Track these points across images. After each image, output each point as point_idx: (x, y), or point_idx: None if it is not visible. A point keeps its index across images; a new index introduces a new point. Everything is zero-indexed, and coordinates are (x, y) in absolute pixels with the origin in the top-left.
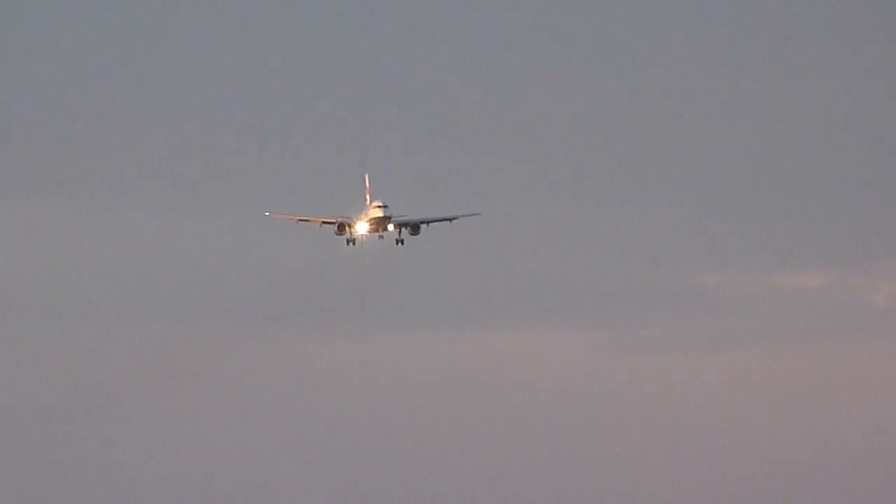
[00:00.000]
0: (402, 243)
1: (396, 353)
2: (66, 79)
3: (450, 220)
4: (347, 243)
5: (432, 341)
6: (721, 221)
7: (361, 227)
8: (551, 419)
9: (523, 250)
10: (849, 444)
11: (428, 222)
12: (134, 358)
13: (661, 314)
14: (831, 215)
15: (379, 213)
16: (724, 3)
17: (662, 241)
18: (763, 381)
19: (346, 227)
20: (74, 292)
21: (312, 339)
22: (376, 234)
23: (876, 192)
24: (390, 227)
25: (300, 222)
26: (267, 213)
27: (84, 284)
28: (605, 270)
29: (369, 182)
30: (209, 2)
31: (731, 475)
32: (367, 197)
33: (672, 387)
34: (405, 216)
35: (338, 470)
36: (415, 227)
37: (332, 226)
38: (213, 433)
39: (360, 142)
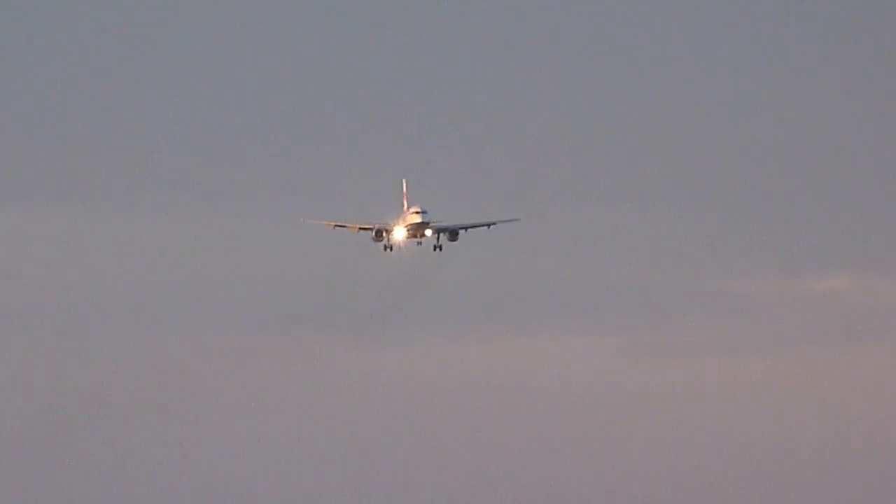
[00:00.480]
0: (441, 249)
1: (429, 358)
2: (106, 85)
3: (488, 225)
4: (385, 249)
5: (466, 347)
6: (745, 226)
7: (399, 233)
8: (577, 423)
9: (555, 255)
10: (875, 448)
11: (466, 228)
12: (169, 366)
13: (685, 319)
14: (854, 219)
15: (417, 219)
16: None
17: (686, 245)
18: (787, 386)
19: (384, 234)
20: (112, 300)
21: (347, 345)
22: (414, 240)
23: None
24: (428, 232)
25: (337, 228)
26: (303, 220)
27: (120, 292)
28: (630, 275)
29: (407, 187)
30: (245, 4)
31: (755, 480)
32: (405, 202)
33: (697, 392)
34: (443, 222)
35: (370, 474)
36: (453, 233)
37: (369, 232)
38: (249, 440)
39: (398, 147)
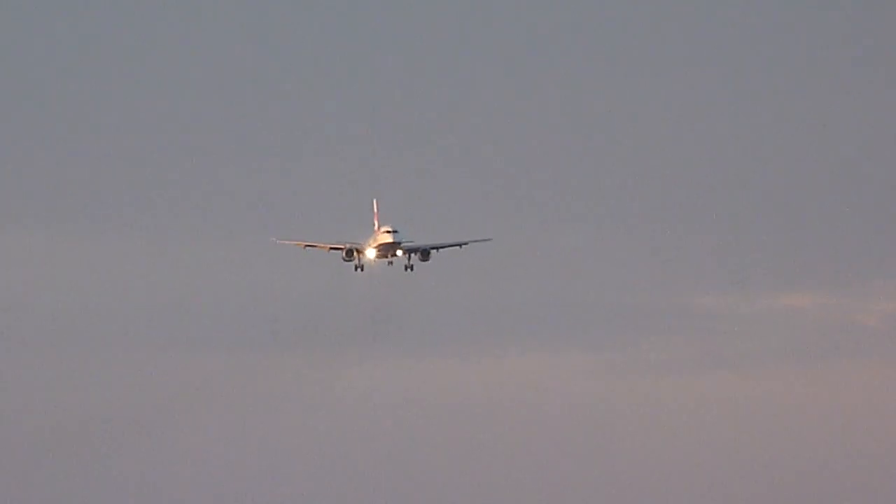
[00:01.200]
0: (412, 269)
1: (401, 377)
2: (73, 107)
3: (460, 245)
4: (355, 269)
5: (438, 366)
6: (719, 244)
7: (370, 253)
8: (554, 440)
9: (525, 275)
10: (845, 462)
11: (438, 248)
12: (138, 385)
13: (661, 336)
14: (827, 237)
15: (388, 239)
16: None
17: (662, 263)
18: (761, 401)
19: (355, 253)
20: (82, 320)
21: (319, 364)
22: (385, 259)
23: (871, 213)
24: (399, 252)
25: (307, 248)
26: (274, 239)
27: (88, 313)
28: (605, 293)
29: (377, 207)
30: (214, 26)
31: (730, 494)
32: (376, 222)
33: (673, 407)
34: (414, 241)
35: (342, 491)
36: (425, 253)
37: (339, 251)
38: (218, 459)
39: (368, 165)
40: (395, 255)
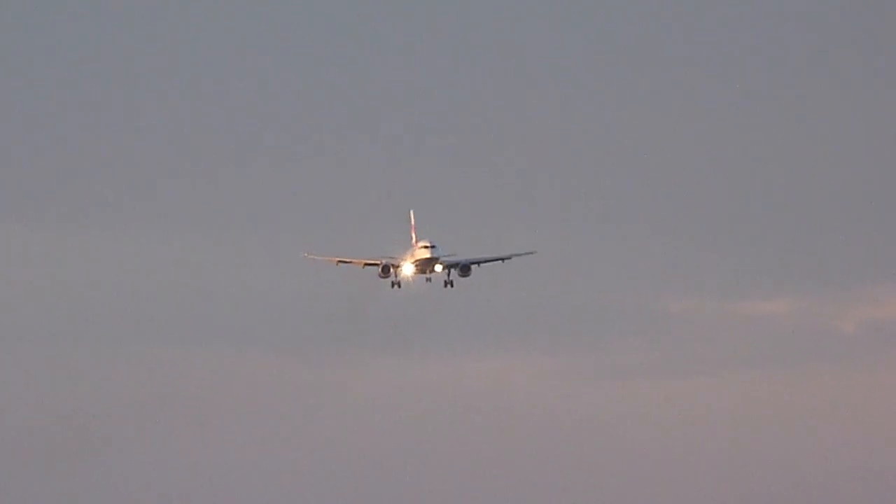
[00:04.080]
0: (452, 285)
1: (415, 383)
2: (99, 111)
3: (503, 259)
4: (392, 286)
5: (417, 369)
6: (689, 248)
7: (407, 269)
8: (519, 443)
9: (499, 277)
10: (816, 469)
11: (479, 262)
12: (146, 390)
13: (629, 340)
14: (799, 242)
15: (426, 254)
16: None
17: (630, 267)
18: (736, 407)
19: (391, 269)
20: (103, 324)
21: (346, 371)
22: (423, 275)
23: (843, 219)
24: (438, 267)
25: (341, 264)
26: (305, 255)
27: (119, 324)
28: (573, 296)
29: (415, 219)
30: (251, 35)
31: (701, 498)
32: (413, 235)
33: (646, 412)
34: (454, 256)
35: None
36: (464, 269)
37: (375, 267)
38: (235, 465)
39: (405, 176)
40: (433, 270)
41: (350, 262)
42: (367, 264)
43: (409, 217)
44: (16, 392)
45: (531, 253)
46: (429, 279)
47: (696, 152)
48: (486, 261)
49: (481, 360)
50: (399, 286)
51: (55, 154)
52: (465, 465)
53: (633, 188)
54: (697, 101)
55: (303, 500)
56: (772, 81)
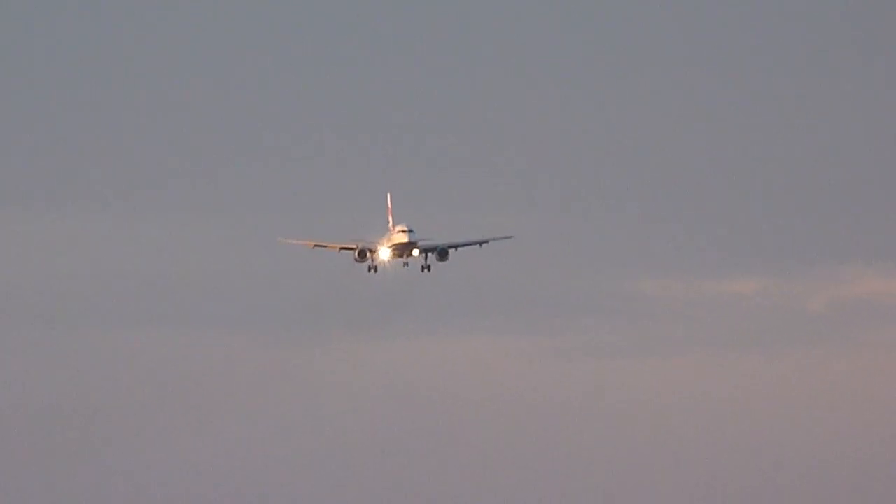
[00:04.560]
0: (429, 270)
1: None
2: (85, 99)
3: (480, 244)
4: (369, 270)
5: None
6: (658, 228)
7: (384, 254)
8: (495, 425)
9: (474, 258)
10: (783, 450)
11: (457, 246)
12: (132, 376)
13: (603, 321)
14: (769, 221)
15: (403, 239)
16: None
17: (600, 247)
18: (699, 388)
19: (368, 254)
20: (88, 320)
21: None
22: (400, 260)
23: (812, 198)
24: (416, 252)
25: (316, 248)
26: (280, 240)
27: (91, 313)
28: (544, 277)
29: (391, 202)
30: (224, 22)
31: (672, 479)
32: (390, 219)
33: (616, 392)
34: (432, 240)
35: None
36: (442, 253)
37: (351, 252)
38: (237, 438)
39: (381, 157)
40: (410, 254)
41: (325, 246)
42: (342, 248)
43: (386, 200)
44: (23, 378)
45: (508, 237)
46: (406, 264)
47: (665, 134)
48: (463, 245)
49: (458, 343)
50: (375, 270)
51: (30, 139)
52: (441, 448)
53: (606, 171)
54: (666, 83)
55: (276, 484)
56: (740, 63)
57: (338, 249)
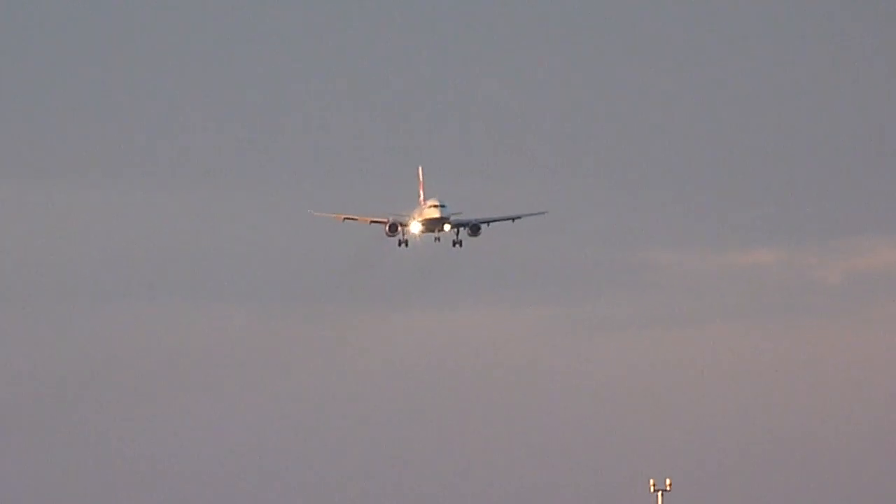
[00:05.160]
0: (461, 245)
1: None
2: (119, 71)
3: (513, 219)
4: (399, 244)
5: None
6: (674, 199)
7: (415, 228)
8: (506, 397)
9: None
10: (801, 421)
11: (489, 222)
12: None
13: (619, 292)
14: (786, 193)
15: (435, 214)
16: None
17: (616, 218)
18: (717, 360)
19: (399, 228)
20: (116, 285)
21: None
22: (432, 234)
23: (830, 169)
24: (447, 227)
25: (347, 221)
26: (312, 212)
27: (124, 279)
28: (560, 248)
29: (423, 176)
30: None
31: (681, 453)
32: (421, 193)
33: (632, 364)
34: (463, 215)
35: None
36: (474, 228)
37: (382, 225)
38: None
39: (413, 131)
40: (442, 229)
41: (356, 219)
42: (373, 222)
43: (418, 174)
44: (11, 348)
45: (542, 213)
46: (437, 238)
47: (686, 109)
48: (496, 220)
49: (485, 315)
50: (406, 245)
51: (68, 111)
52: (468, 418)
53: (629, 146)
54: (683, 59)
55: (300, 453)
56: (757, 31)
57: (368, 223)
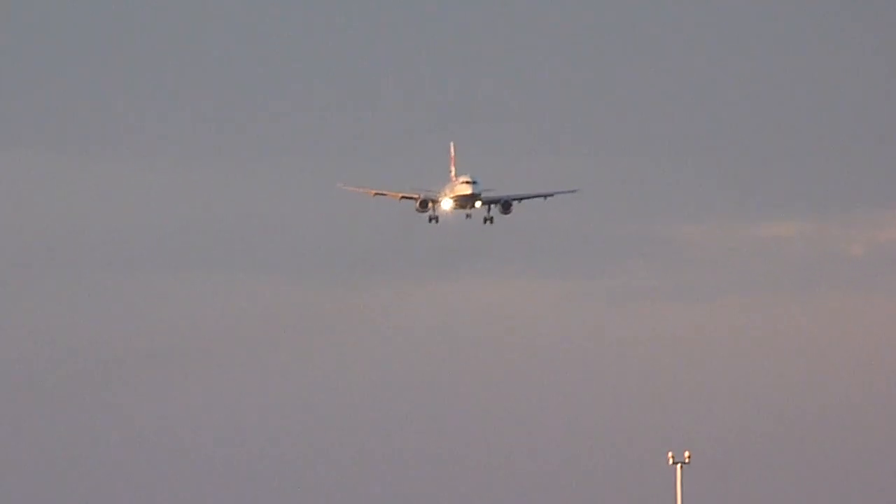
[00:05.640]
0: (492, 222)
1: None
2: (142, 47)
3: (545, 196)
4: (430, 221)
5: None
6: (696, 172)
7: (446, 204)
8: (524, 369)
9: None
10: (823, 394)
11: (521, 199)
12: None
13: (641, 265)
14: (808, 165)
15: (467, 190)
16: None
17: (637, 191)
18: (739, 332)
19: (429, 204)
20: (143, 258)
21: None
22: (462, 211)
23: (852, 141)
24: (478, 204)
25: (377, 196)
26: (341, 185)
27: (147, 253)
28: (581, 220)
29: (455, 152)
30: None
31: (701, 427)
32: (452, 169)
33: (655, 337)
34: (495, 191)
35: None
36: (506, 205)
37: (412, 201)
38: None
39: (445, 107)
40: (473, 206)
41: (386, 194)
42: (404, 197)
43: (450, 149)
44: (42, 323)
45: (573, 191)
46: (468, 215)
47: (708, 81)
48: (527, 197)
49: (507, 287)
50: (437, 221)
51: (93, 83)
52: (488, 392)
53: (650, 119)
54: (702, 32)
55: (325, 430)
56: (785, 13)
57: (399, 198)
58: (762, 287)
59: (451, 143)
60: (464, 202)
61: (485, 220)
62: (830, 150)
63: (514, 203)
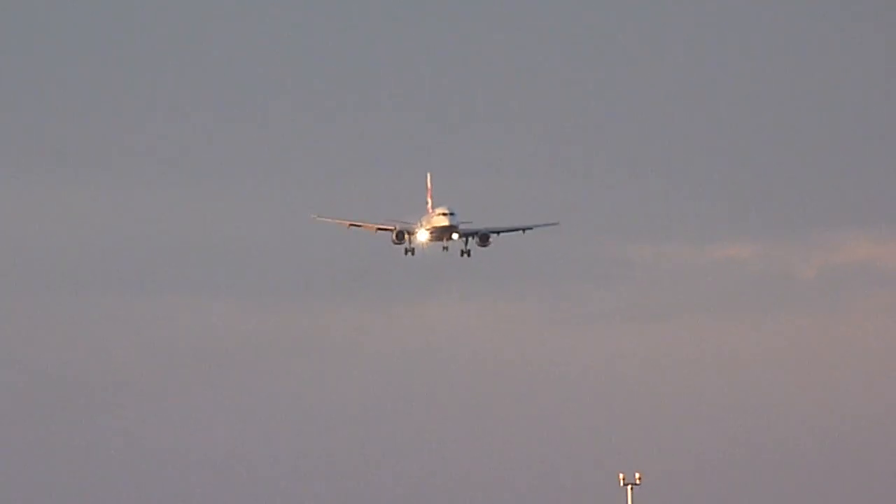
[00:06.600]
0: (469, 255)
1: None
2: (117, 69)
3: (524, 230)
4: (406, 253)
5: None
6: (650, 192)
7: (422, 236)
8: (481, 392)
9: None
10: (775, 415)
11: (499, 232)
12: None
13: (596, 287)
14: (762, 187)
15: (444, 222)
16: None
17: (592, 212)
18: (692, 353)
19: (406, 236)
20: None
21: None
22: (440, 243)
23: (804, 162)
24: (455, 236)
25: (352, 228)
26: (314, 217)
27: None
28: (537, 242)
29: (431, 182)
30: None
31: (652, 448)
32: (429, 200)
33: (603, 359)
34: (473, 224)
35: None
36: (483, 238)
37: (388, 233)
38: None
39: (421, 136)
40: (450, 238)
41: (361, 226)
42: (379, 229)
43: (426, 180)
44: (24, 342)
45: (554, 224)
46: (445, 248)
47: (660, 102)
48: (506, 230)
49: (466, 309)
50: (413, 253)
51: (67, 104)
52: (447, 415)
53: (606, 139)
54: (666, 57)
55: (295, 454)
56: (743, 25)
57: (374, 230)
58: (715, 309)
59: (428, 174)
60: (440, 234)
61: (462, 253)
62: (784, 172)
63: (493, 236)
